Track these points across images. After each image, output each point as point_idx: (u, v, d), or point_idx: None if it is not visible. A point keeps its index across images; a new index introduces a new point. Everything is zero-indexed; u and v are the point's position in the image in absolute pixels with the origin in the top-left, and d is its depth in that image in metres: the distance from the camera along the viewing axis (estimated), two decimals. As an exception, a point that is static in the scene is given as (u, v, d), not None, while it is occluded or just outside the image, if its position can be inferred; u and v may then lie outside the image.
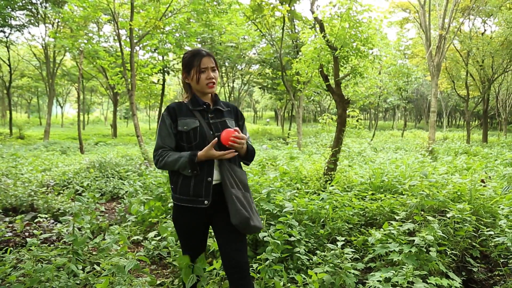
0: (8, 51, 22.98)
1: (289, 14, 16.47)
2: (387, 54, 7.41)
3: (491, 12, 19.86)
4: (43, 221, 4.16)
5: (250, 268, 2.73)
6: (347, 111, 5.98)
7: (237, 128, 2.03)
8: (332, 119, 8.21)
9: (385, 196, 4.25)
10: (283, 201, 3.68)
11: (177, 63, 24.42)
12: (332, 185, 4.53)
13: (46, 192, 5.50)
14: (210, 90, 2.10)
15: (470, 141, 19.50)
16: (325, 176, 5.48)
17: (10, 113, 24.48)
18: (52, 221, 4.37)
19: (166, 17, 11.12)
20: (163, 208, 4.28)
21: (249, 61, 26.36)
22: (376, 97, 21.20)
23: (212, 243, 2.94)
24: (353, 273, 2.65)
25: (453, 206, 3.34)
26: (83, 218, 2.89)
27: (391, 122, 54.07)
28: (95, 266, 2.83)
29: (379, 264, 2.97)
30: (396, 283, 2.44)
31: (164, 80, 24.34)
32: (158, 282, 2.89)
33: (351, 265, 2.72)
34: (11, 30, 20.41)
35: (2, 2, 16.18)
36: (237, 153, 2.05)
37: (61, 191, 5.83)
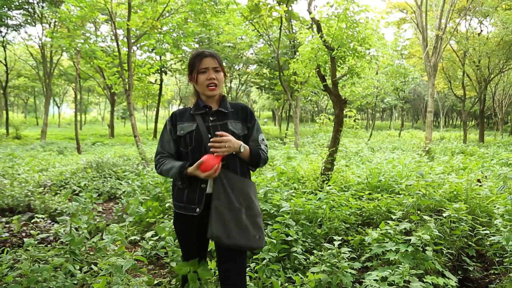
0: (5, 50, 22.91)
1: (287, 14, 16.49)
2: (384, 54, 7.42)
3: (487, 13, 19.95)
4: (40, 221, 4.16)
5: (248, 268, 2.74)
6: (344, 111, 6.00)
7: (222, 133, 1.90)
8: (329, 119, 8.24)
9: (382, 195, 4.27)
10: (280, 201, 3.69)
11: (175, 63, 24.41)
12: (329, 185, 4.55)
13: (43, 193, 5.49)
14: (211, 92, 2.00)
15: (467, 141, 19.58)
16: (322, 176, 5.49)
17: (7, 113, 24.38)
18: (49, 221, 4.36)
19: (164, 17, 11.11)
20: (160, 208, 4.28)
21: (247, 61, 26.36)
22: (373, 97, 21.26)
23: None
24: (350, 273, 2.66)
25: (449, 205, 3.36)
26: (80, 218, 2.89)
27: (388, 122, 54.18)
28: (93, 266, 2.83)
29: (376, 264, 2.98)
30: (393, 282, 2.46)
31: (161, 80, 24.34)
32: (156, 282, 2.89)
33: (348, 264, 2.73)
34: (7, 30, 20.35)
35: (-2, 2, 16.12)
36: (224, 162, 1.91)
37: (58, 192, 5.83)
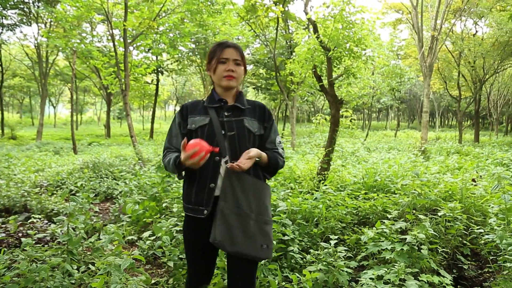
0: (0, 50, 22.76)
1: (283, 15, 16.52)
2: (380, 54, 7.48)
3: (482, 14, 20.09)
4: (37, 221, 4.15)
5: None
6: (340, 111, 6.03)
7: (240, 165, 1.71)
8: (325, 119, 8.26)
9: (377, 195, 4.31)
10: (277, 200, 3.71)
11: (171, 63, 24.39)
12: (326, 185, 4.57)
13: (40, 193, 5.47)
14: (227, 83, 1.85)
15: (462, 141, 19.70)
16: (319, 175, 5.52)
17: (2, 113, 24.23)
18: (45, 221, 4.35)
19: (160, 17, 11.11)
20: (157, 208, 4.29)
21: (243, 61, 26.32)
22: (369, 98, 21.34)
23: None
24: (346, 271, 2.69)
25: (445, 205, 3.40)
26: (77, 218, 2.89)
27: (384, 122, 54.39)
28: (90, 265, 2.84)
29: (372, 262, 3.01)
30: (388, 281, 2.48)
31: (157, 80, 24.29)
32: (153, 281, 2.90)
33: (344, 263, 2.75)
34: (2, 29, 20.24)
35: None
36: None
37: (55, 192, 5.81)
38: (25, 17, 19.72)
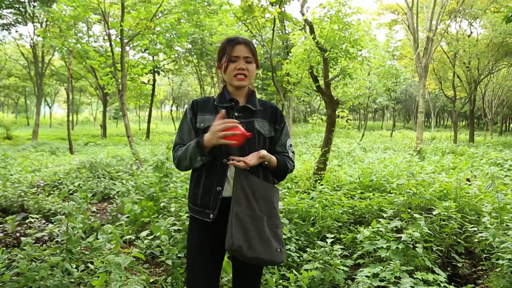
0: (-5, 50, 22.67)
1: (280, 15, 16.57)
2: (376, 55, 7.53)
3: (476, 15, 20.25)
4: (35, 221, 4.16)
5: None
6: (336, 112, 6.08)
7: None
8: (322, 119, 8.30)
9: (373, 194, 4.35)
10: (274, 200, 3.74)
11: (167, 64, 24.36)
12: (322, 184, 4.62)
13: (37, 193, 5.48)
14: (238, 83, 1.78)
15: (457, 141, 19.83)
16: (315, 175, 5.56)
17: (-3, 113, 24.11)
18: (43, 221, 4.36)
19: (157, 17, 11.12)
20: (155, 208, 4.31)
21: (240, 61, 26.35)
22: (365, 98, 21.44)
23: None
24: (343, 269, 2.72)
25: (439, 204, 3.45)
26: (76, 218, 2.92)
27: (380, 122, 54.58)
28: (89, 264, 2.86)
29: (368, 261, 3.05)
30: (384, 278, 2.52)
31: (154, 81, 24.25)
32: (151, 280, 2.93)
33: (341, 261, 2.79)
34: (-3, 29, 20.13)
35: (-12, 1, 15.96)
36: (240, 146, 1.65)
37: (52, 192, 5.81)
38: (20, 17, 19.62)
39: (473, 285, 2.60)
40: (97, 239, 3.26)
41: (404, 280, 2.48)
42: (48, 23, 19.68)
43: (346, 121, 8.64)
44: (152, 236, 3.58)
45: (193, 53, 21.08)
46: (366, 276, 2.57)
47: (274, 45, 18.45)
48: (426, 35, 16.02)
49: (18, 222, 4.26)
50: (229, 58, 1.77)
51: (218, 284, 1.82)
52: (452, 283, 2.81)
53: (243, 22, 16.31)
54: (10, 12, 19.18)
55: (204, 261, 1.77)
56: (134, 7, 11.57)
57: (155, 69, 22.33)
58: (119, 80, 9.80)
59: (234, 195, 1.66)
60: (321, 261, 2.78)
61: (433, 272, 2.77)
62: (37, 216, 4.17)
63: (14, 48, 27.99)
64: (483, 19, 20.16)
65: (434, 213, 3.30)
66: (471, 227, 3.21)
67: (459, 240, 3.29)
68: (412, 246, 2.85)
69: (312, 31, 5.94)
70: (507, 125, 47.01)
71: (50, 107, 44.32)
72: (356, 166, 7.04)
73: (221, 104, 1.81)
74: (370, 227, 3.19)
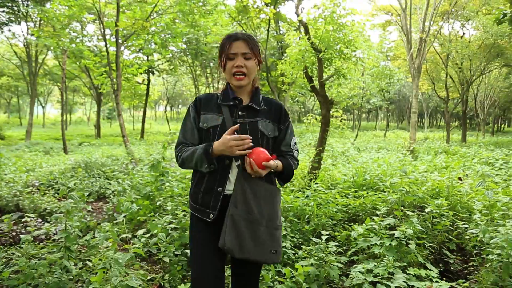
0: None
1: (274, 16, 16.62)
2: (369, 56, 7.61)
3: (469, 17, 20.47)
4: (31, 220, 4.17)
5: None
6: (331, 112, 6.14)
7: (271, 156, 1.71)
8: (316, 119, 8.37)
9: (367, 193, 4.41)
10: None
11: (162, 64, 24.31)
12: (317, 183, 4.67)
13: (32, 192, 5.47)
14: (237, 82, 1.74)
15: (450, 141, 20.02)
16: (310, 174, 5.62)
17: (-10, 113, 23.91)
18: (39, 220, 4.37)
19: (152, 17, 11.12)
20: (151, 207, 4.33)
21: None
22: (359, 98, 21.56)
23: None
24: (337, 266, 2.77)
25: (432, 202, 3.51)
26: (74, 215, 2.94)
27: (374, 122, 54.89)
28: (87, 262, 2.88)
29: (362, 257, 3.10)
30: (378, 274, 2.58)
31: (148, 81, 24.19)
32: (149, 277, 2.96)
33: (335, 258, 2.84)
34: (-10, 28, 19.96)
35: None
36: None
37: (47, 191, 5.81)
38: (13, 16, 19.48)
39: (464, 280, 2.66)
40: (94, 237, 3.29)
41: (397, 275, 2.54)
42: (42, 22, 19.56)
43: (340, 121, 8.71)
44: (149, 234, 3.61)
45: (187, 53, 21.07)
46: (360, 272, 2.63)
47: (269, 46, 18.50)
48: (419, 36, 16.18)
49: (14, 221, 4.26)
50: (227, 56, 1.73)
51: (223, 273, 1.82)
52: (444, 279, 2.88)
53: (238, 22, 16.34)
54: (3, 11, 19.04)
55: (203, 255, 1.76)
56: (129, 7, 11.56)
57: (150, 69, 22.29)
58: (114, 80, 9.79)
59: (232, 197, 1.67)
60: (316, 258, 2.83)
61: (426, 268, 2.83)
62: (33, 215, 4.17)
63: (7, 47, 27.74)
64: (475, 21, 20.40)
65: (426, 210, 3.36)
66: (462, 224, 3.28)
67: (451, 237, 3.36)
68: (405, 243, 2.91)
69: (306, 31, 6.00)
70: (499, 125, 47.52)
71: (43, 107, 43.98)
72: (350, 165, 7.10)
73: (225, 102, 1.77)
74: (364, 224, 3.24)
